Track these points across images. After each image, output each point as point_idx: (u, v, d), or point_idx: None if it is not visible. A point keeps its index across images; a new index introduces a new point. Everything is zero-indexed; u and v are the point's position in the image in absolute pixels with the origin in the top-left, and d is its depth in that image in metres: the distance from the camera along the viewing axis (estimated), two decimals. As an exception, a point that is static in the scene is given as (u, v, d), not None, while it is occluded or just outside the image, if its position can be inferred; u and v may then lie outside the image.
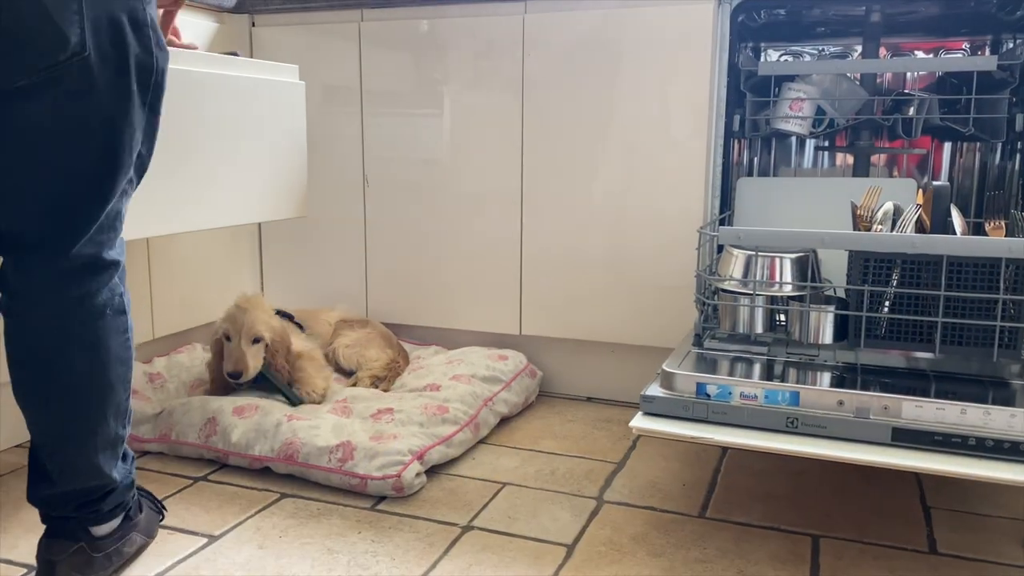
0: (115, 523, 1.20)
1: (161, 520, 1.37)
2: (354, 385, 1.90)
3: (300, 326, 2.01)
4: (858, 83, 1.92)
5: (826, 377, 1.37)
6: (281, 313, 1.98)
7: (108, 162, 1.00)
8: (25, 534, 1.33)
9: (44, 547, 1.17)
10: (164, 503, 1.44)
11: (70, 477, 1.13)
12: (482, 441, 1.77)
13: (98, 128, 0.98)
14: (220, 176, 1.48)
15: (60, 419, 1.09)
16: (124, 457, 1.21)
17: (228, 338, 1.79)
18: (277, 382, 1.79)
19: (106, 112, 0.98)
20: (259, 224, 2.28)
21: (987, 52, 1.96)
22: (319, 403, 1.78)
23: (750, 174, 2.13)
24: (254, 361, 1.78)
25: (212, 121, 1.48)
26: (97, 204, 1.01)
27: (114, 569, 1.21)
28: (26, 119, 0.93)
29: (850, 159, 2.05)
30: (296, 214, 1.77)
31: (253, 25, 2.19)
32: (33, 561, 1.24)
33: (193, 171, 1.43)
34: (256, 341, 1.79)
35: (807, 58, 2.10)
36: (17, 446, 1.69)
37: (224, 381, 1.80)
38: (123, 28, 0.97)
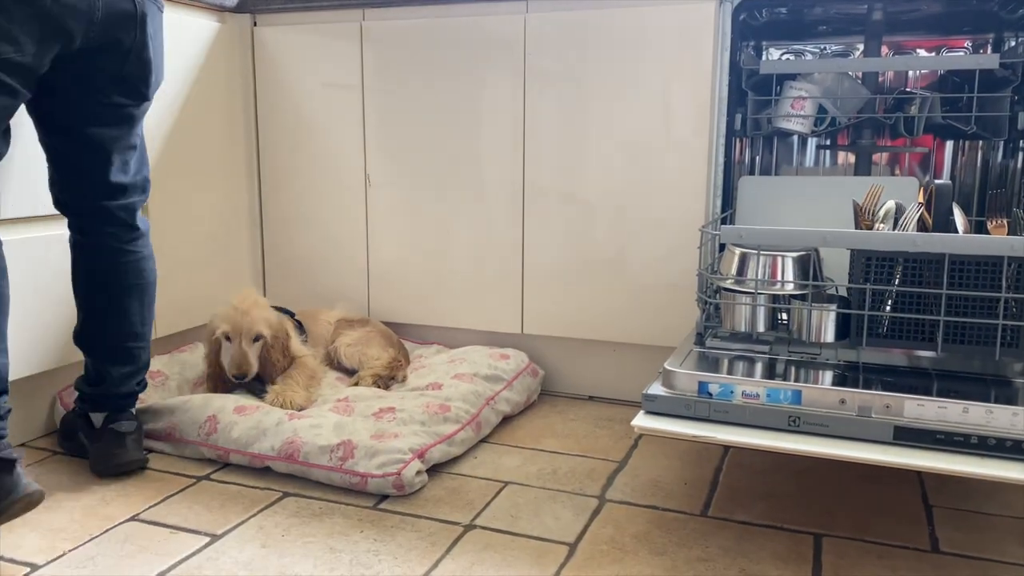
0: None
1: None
2: (356, 384, 1.90)
3: (300, 324, 2.01)
4: (860, 81, 1.92)
5: (828, 376, 1.37)
6: (281, 310, 1.98)
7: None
8: (28, 533, 1.34)
9: (109, 427, 1.55)
10: (167, 501, 1.44)
11: (144, 356, 1.60)
12: (484, 440, 1.77)
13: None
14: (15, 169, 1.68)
15: (142, 309, 1.57)
16: None
17: (228, 339, 1.80)
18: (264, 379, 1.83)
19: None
20: (260, 223, 2.28)
21: (989, 50, 1.96)
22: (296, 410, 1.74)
23: (752, 173, 2.13)
24: (257, 362, 1.80)
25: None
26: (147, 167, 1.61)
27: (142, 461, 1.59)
28: (140, 121, 1.52)
29: (852, 158, 2.05)
30: None
31: (255, 24, 2.20)
32: (35, 559, 1.25)
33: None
34: (256, 340, 1.80)
35: (809, 56, 2.10)
36: (21, 444, 1.69)
37: (226, 380, 1.81)
38: None
